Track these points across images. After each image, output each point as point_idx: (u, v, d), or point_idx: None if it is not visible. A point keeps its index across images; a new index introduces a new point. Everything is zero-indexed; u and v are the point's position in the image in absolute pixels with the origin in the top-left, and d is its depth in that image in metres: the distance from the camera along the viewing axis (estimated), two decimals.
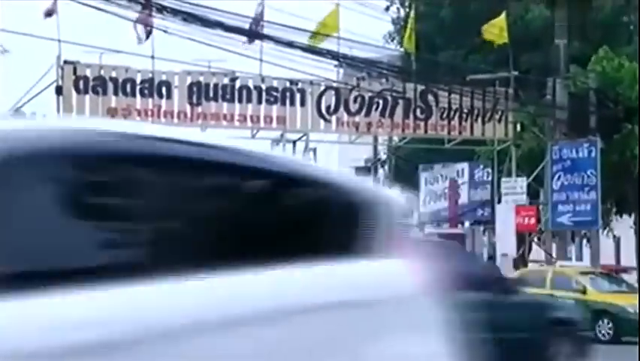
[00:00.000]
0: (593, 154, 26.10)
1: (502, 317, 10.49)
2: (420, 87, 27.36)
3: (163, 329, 2.86)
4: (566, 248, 28.31)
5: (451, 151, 29.40)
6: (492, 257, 28.77)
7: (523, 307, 11.17)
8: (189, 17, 20.87)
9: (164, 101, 25.70)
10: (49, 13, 24.46)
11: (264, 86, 26.33)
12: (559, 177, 26.80)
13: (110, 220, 2.94)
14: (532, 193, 27.95)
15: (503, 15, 27.09)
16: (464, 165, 31.53)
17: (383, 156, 46.25)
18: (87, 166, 2.92)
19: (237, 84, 26.28)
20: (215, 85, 26.11)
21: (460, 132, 27.89)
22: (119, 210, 2.97)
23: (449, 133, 27.90)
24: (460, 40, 32.92)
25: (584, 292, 21.10)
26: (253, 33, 23.82)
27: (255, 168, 3.41)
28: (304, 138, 27.46)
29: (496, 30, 26.86)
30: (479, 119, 27.82)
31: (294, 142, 27.56)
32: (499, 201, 27.75)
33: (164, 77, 25.73)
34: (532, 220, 26.79)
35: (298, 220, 3.56)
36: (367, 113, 27.17)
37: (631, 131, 26.04)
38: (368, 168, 51.54)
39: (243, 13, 23.61)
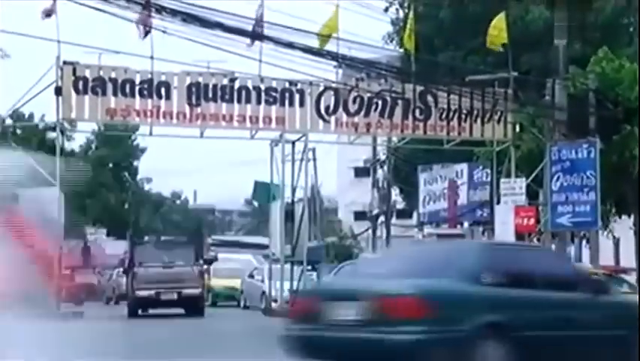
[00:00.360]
0: (592, 155, 26.08)
1: (596, 316, 10.79)
2: (419, 88, 27.34)
3: None
4: (566, 249, 28.27)
5: (450, 152, 29.39)
6: None
7: (616, 306, 11.42)
8: (188, 18, 20.83)
9: (163, 102, 25.67)
10: (47, 14, 24.41)
11: (263, 87, 26.31)
12: (558, 177, 26.78)
13: None
14: (532, 194, 27.93)
15: (502, 15, 27.03)
16: (463, 166, 31.51)
17: (382, 157, 46.25)
18: None
19: (236, 85, 26.26)
20: (215, 85, 26.09)
21: (459, 133, 27.87)
22: None
23: (448, 134, 27.88)
24: (459, 40, 32.92)
25: None
26: (252, 34, 23.77)
27: None
28: (303, 138, 27.44)
29: (495, 31, 26.81)
30: (478, 120, 27.80)
31: (293, 142, 27.55)
32: (498, 202, 27.73)
33: (163, 78, 25.71)
34: (532, 221, 26.76)
35: None
36: (366, 114, 27.15)
37: (630, 132, 26.00)
38: (367, 169, 51.47)
39: (241, 14, 23.58)
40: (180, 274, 26.88)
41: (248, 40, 23.24)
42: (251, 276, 33.52)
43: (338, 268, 29.41)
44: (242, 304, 33.36)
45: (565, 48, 26.73)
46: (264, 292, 29.32)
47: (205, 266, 38.15)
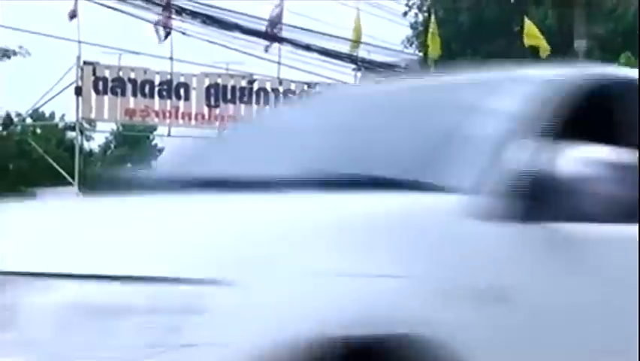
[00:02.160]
0: None
1: None
2: None
3: None
4: None
5: None
6: None
7: None
8: (208, 20, 20.98)
9: (182, 103, 25.79)
10: (73, 15, 24.59)
11: (281, 89, 26.39)
12: None
13: None
14: None
15: (529, 22, 26.92)
16: None
17: None
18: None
19: (255, 86, 26.36)
20: (233, 87, 26.19)
21: None
22: None
23: None
24: (478, 45, 32.93)
25: None
26: (271, 36, 23.89)
27: None
28: None
29: (534, 37, 26.69)
30: None
31: None
32: None
33: (182, 79, 25.83)
34: None
35: None
36: None
37: None
38: None
39: (261, 16, 23.72)
40: None
41: (266, 42, 23.36)
42: None
43: None
44: None
45: (583, 52, 26.70)
46: None
47: None
